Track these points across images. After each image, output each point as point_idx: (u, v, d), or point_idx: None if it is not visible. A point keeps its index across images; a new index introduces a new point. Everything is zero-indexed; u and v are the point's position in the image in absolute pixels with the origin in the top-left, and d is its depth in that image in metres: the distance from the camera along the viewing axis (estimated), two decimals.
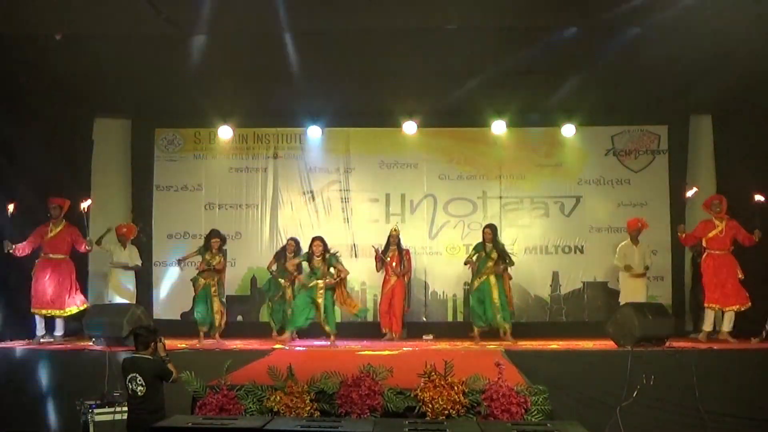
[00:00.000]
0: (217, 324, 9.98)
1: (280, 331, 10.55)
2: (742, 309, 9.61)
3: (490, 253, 10.28)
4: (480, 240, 10.50)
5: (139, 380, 6.16)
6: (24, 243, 9.68)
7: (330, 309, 9.94)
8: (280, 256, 10.92)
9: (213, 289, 10.02)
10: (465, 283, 11.68)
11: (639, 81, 10.16)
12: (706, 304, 9.85)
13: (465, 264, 10.61)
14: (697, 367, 8.03)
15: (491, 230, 10.44)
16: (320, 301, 9.83)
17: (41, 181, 10.31)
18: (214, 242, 10.15)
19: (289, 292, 10.70)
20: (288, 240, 11.08)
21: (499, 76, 10.01)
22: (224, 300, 10.22)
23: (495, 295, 10.16)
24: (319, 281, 9.90)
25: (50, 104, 10.44)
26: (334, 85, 10.39)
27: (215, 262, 10.08)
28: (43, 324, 9.80)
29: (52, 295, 9.72)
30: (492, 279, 10.22)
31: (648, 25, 8.49)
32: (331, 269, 10.00)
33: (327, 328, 9.87)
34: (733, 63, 9.20)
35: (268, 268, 10.98)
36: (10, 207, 9.31)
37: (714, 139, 11.73)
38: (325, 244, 10.07)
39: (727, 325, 9.66)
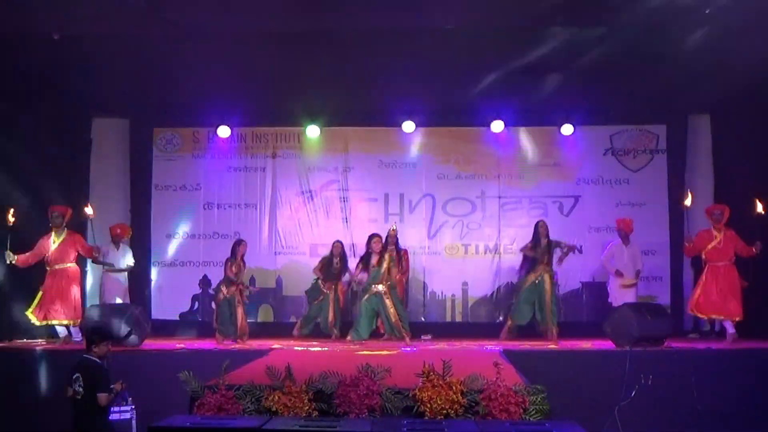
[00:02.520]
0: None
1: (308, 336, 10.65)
2: (736, 320, 9.59)
3: (545, 249, 10.24)
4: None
5: (80, 382, 6.16)
6: (27, 254, 9.60)
7: (402, 310, 10.10)
8: (329, 261, 10.89)
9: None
10: (464, 283, 11.70)
11: (637, 81, 10.16)
12: (698, 312, 9.81)
13: (521, 251, 10.56)
14: (695, 366, 8.03)
15: (546, 225, 10.40)
16: (391, 310, 9.99)
17: (39, 181, 10.30)
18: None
19: (331, 297, 10.71)
20: (334, 243, 10.99)
21: (497, 76, 10.03)
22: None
23: (548, 294, 10.14)
24: (380, 286, 10.07)
25: (48, 104, 10.44)
26: (333, 84, 10.39)
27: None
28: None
29: (60, 305, 9.62)
30: (546, 278, 10.21)
31: (647, 25, 8.50)
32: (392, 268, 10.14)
33: (403, 331, 9.98)
34: (731, 62, 9.21)
35: (314, 272, 10.95)
36: (10, 215, 9.24)
37: (712, 138, 11.73)
38: (383, 242, 10.16)
39: (730, 327, 9.64)
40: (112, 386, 6.34)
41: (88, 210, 9.84)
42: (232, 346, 9.51)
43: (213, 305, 10.51)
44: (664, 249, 11.55)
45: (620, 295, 10.50)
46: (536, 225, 10.49)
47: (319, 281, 10.86)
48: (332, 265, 10.84)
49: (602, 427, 7.66)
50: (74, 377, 6.20)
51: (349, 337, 10.25)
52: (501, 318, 11.65)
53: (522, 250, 10.57)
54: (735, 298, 9.52)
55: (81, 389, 6.14)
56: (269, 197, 12.14)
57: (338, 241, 11.08)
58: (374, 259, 10.20)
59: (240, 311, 10.12)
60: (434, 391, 6.67)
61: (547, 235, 10.33)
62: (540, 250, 10.28)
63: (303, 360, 7.88)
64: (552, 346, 9.53)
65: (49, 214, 9.78)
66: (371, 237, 10.39)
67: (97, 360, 6.35)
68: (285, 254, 11.98)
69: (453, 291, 11.84)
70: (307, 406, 6.70)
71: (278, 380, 6.92)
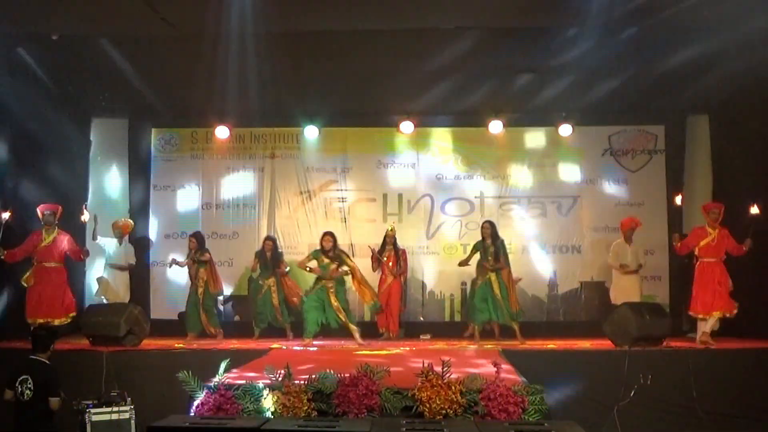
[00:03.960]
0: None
1: (263, 334, 10.64)
2: (726, 315, 9.54)
3: (488, 250, 10.28)
4: (479, 238, 10.52)
5: (29, 383, 6.03)
6: (16, 249, 9.57)
7: (346, 306, 10.18)
8: (260, 256, 10.93)
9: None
10: (462, 283, 11.69)
11: (636, 81, 10.17)
12: (691, 312, 9.81)
13: (459, 265, 10.61)
14: (694, 366, 8.04)
15: (490, 225, 10.42)
16: (335, 303, 10.03)
17: (38, 181, 10.29)
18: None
19: (275, 294, 10.72)
20: (264, 240, 11.08)
21: (496, 76, 10.03)
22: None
23: (497, 293, 10.14)
24: (328, 282, 10.07)
25: (47, 104, 10.43)
26: (332, 85, 10.39)
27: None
28: None
29: (45, 304, 9.60)
30: (493, 277, 10.22)
31: (646, 25, 8.50)
32: (342, 267, 10.15)
33: (350, 327, 10.06)
34: (730, 63, 9.21)
35: (252, 270, 11.01)
36: (5, 215, 9.25)
37: (711, 138, 11.72)
38: (335, 240, 10.20)
39: (708, 328, 9.59)
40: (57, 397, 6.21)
41: (84, 216, 10.05)
42: (231, 346, 9.51)
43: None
44: (662, 249, 11.56)
45: (622, 284, 10.53)
46: (481, 226, 10.52)
47: (256, 276, 10.92)
48: (265, 260, 10.85)
49: (601, 427, 7.67)
50: (21, 379, 6.05)
51: (306, 338, 10.08)
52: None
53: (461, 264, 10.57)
54: (719, 293, 9.52)
55: (29, 392, 6.02)
56: (268, 197, 12.15)
57: (269, 238, 11.08)
58: (324, 256, 10.15)
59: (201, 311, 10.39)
60: (433, 391, 6.67)
61: (491, 236, 10.33)
62: (483, 252, 10.32)
63: (302, 360, 7.88)
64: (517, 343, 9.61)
65: (41, 213, 9.75)
66: (324, 234, 10.33)
67: (47, 361, 6.25)
68: (284, 254, 11.96)
69: (452, 291, 11.85)
70: (306, 406, 6.70)
71: (277, 380, 6.92)
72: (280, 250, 11.20)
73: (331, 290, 10.11)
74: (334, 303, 10.06)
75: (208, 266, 10.64)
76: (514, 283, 10.50)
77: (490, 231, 10.38)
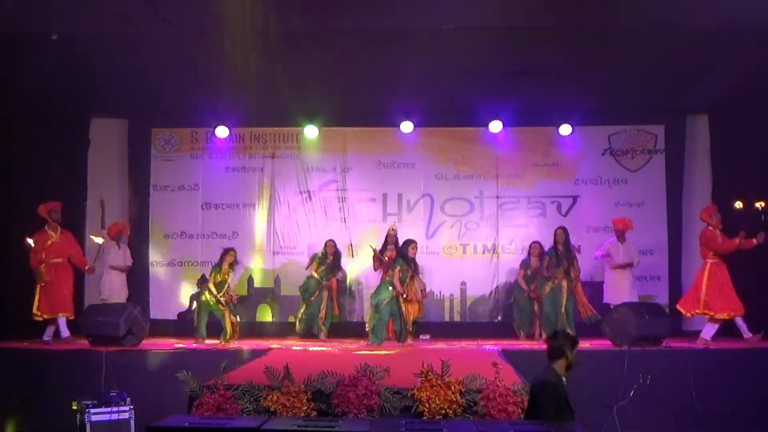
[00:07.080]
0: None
1: (306, 334, 10.69)
2: (732, 316, 9.52)
3: (563, 257, 10.23)
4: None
5: None
6: (38, 255, 9.65)
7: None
8: (322, 258, 10.89)
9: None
10: (462, 283, 11.70)
11: (636, 81, 10.18)
12: (683, 311, 9.80)
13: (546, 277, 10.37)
14: (694, 366, 8.04)
15: (564, 232, 10.38)
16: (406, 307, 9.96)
17: (37, 181, 10.30)
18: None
19: (325, 294, 10.77)
20: (327, 243, 11.02)
21: (496, 76, 10.03)
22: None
23: (565, 302, 10.12)
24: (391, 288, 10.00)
25: (47, 104, 10.43)
26: (332, 85, 10.39)
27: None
28: (53, 329, 9.76)
29: (57, 298, 9.67)
30: (564, 284, 10.19)
31: (646, 25, 8.50)
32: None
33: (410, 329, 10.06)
34: (729, 63, 9.22)
35: (311, 272, 10.89)
36: (30, 241, 9.51)
37: (710, 138, 11.74)
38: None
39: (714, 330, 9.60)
40: None
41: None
42: (228, 347, 9.52)
43: (195, 305, 10.62)
44: (662, 248, 11.57)
45: (612, 278, 10.53)
46: (555, 233, 10.48)
47: (312, 279, 10.87)
48: (326, 263, 10.83)
49: (601, 427, 7.67)
50: None
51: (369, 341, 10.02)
52: (499, 318, 11.68)
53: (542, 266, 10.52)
54: (729, 293, 9.50)
55: None
56: (267, 197, 12.14)
57: (331, 240, 11.09)
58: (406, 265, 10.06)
59: (226, 315, 10.06)
60: (433, 391, 6.68)
61: (564, 243, 10.28)
62: (556, 259, 10.26)
63: (301, 360, 7.88)
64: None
65: (47, 210, 9.77)
66: (409, 243, 10.22)
67: None
68: (283, 254, 11.99)
69: (451, 291, 11.85)
70: (306, 406, 6.70)
71: (277, 380, 6.92)
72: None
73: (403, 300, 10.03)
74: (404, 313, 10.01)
75: None
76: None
77: (562, 238, 10.30)
